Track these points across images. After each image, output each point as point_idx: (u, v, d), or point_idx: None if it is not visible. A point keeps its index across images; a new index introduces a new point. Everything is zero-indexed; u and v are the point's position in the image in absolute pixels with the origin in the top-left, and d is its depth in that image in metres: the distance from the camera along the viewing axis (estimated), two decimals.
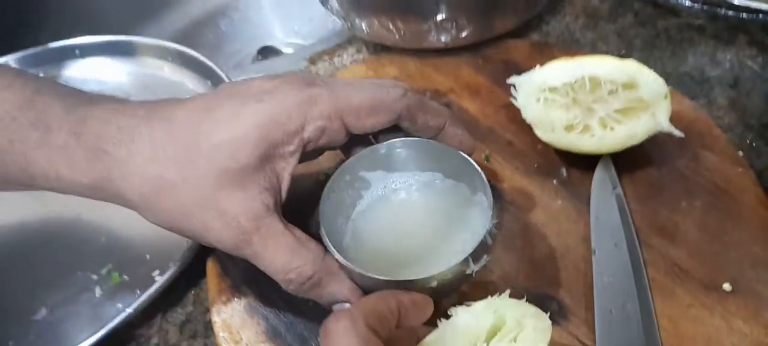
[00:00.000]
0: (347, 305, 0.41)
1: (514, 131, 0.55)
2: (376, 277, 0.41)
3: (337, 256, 0.42)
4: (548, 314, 0.43)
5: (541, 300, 0.45)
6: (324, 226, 0.43)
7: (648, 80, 0.48)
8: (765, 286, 0.43)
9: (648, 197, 0.49)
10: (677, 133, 0.48)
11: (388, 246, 0.47)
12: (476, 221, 0.46)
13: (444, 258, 0.42)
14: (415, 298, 0.39)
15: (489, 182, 0.43)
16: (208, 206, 0.38)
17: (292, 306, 0.48)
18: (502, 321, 0.37)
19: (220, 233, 0.39)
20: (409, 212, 0.49)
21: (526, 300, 0.44)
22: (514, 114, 0.56)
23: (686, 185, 0.49)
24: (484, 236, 0.41)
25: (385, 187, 0.49)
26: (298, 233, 0.41)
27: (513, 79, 0.51)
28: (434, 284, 0.41)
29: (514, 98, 0.51)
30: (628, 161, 0.51)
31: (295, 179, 0.42)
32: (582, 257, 0.47)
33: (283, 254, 0.39)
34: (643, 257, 0.45)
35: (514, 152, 0.54)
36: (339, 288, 0.41)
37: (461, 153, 0.45)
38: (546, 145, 0.53)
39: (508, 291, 0.39)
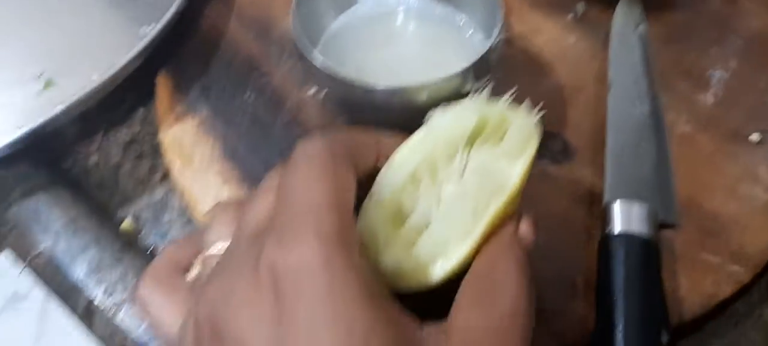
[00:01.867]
0: None
1: None
2: (356, 82, 0.36)
3: (315, 54, 0.37)
4: (551, 155, 0.40)
5: (544, 138, 0.41)
6: (296, 26, 0.37)
7: None
8: None
9: (675, 40, 0.45)
10: None
11: (370, 63, 0.42)
12: (476, 46, 0.41)
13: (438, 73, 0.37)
14: (400, 140, 0.33)
15: None
16: None
17: (256, 124, 0.43)
18: (485, 123, 0.31)
19: None
20: (400, 32, 0.44)
21: None
22: None
23: (719, 28, 0.45)
24: (487, 52, 0.37)
25: (376, 6, 0.44)
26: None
27: None
28: (424, 96, 0.36)
29: None
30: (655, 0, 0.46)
31: None
32: (593, 96, 0.42)
33: None
34: (663, 100, 0.41)
35: None
36: None
37: None
38: None
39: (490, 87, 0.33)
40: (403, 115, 0.37)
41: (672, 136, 0.40)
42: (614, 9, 0.46)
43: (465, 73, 0.36)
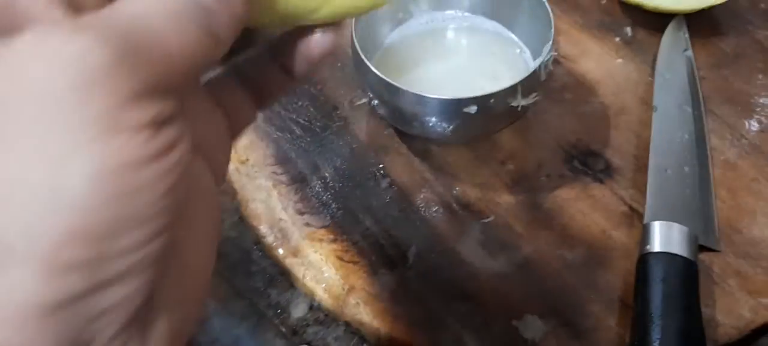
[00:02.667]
0: None
1: None
2: (409, 92, 0.38)
3: (367, 62, 0.39)
4: (593, 173, 0.41)
5: (584, 156, 0.42)
6: (355, 38, 0.40)
7: None
8: None
9: (721, 66, 0.45)
10: None
11: (422, 75, 0.44)
12: (525, 63, 0.43)
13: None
14: None
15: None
16: None
17: (307, 130, 0.45)
18: None
19: None
20: (451, 46, 0.46)
21: (569, 156, 0.42)
22: None
23: (766, 57, 0.45)
24: (538, 68, 0.38)
25: (429, 21, 0.46)
26: None
27: None
28: (473, 109, 0.37)
29: None
30: (702, 26, 0.47)
31: None
32: (638, 118, 0.43)
33: None
34: (707, 124, 0.42)
35: (573, 5, 0.50)
36: None
37: None
38: (611, 2, 0.49)
39: None
40: (453, 127, 0.39)
41: (715, 160, 0.41)
42: (662, 33, 0.47)
43: (513, 89, 0.38)
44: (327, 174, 0.43)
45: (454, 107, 0.38)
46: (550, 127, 0.44)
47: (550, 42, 0.39)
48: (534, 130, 0.44)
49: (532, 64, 0.40)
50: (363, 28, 0.41)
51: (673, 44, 0.45)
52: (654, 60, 0.46)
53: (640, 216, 0.38)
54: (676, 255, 0.34)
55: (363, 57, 0.39)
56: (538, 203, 0.40)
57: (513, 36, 0.44)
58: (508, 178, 0.42)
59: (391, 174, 0.42)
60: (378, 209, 0.41)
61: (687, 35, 0.46)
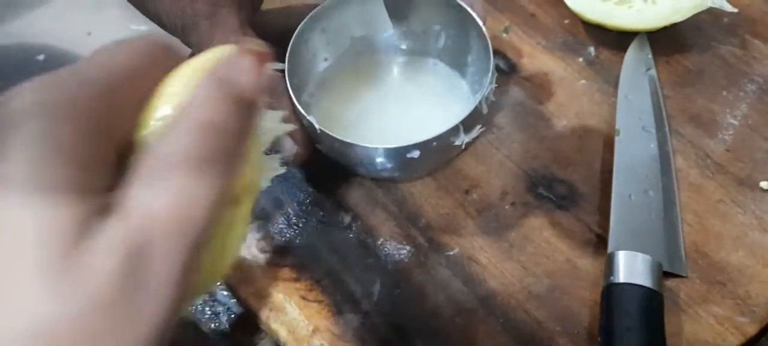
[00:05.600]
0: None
1: (539, 3, 0.51)
2: (342, 139, 0.37)
3: (299, 108, 0.38)
4: (557, 199, 0.40)
5: (548, 182, 0.42)
6: (288, 71, 0.39)
7: None
8: None
9: (685, 84, 0.45)
10: (729, 8, 0.43)
11: (360, 112, 0.44)
12: (469, 91, 0.43)
13: (428, 127, 0.38)
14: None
15: (492, 45, 0.40)
16: None
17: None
18: None
19: (170, 7, 0.38)
20: (390, 76, 0.46)
21: (533, 182, 0.41)
22: None
23: (730, 73, 0.45)
24: (479, 103, 0.38)
25: (367, 46, 0.46)
26: (253, 37, 0.39)
27: None
28: (416, 154, 0.37)
29: None
30: (666, 43, 0.47)
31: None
32: (602, 141, 0.43)
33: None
34: (672, 145, 0.42)
35: (536, 26, 0.50)
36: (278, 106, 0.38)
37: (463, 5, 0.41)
38: (573, 20, 0.49)
39: None
40: (399, 169, 0.40)
41: (680, 183, 0.41)
42: (625, 52, 0.47)
43: (455, 129, 0.37)
44: (290, 210, 0.43)
45: (396, 154, 0.38)
46: (513, 153, 0.43)
47: (490, 73, 0.39)
48: (498, 157, 0.43)
49: (473, 99, 0.40)
50: (296, 61, 0.41)
51: (635, 64, 0.45)
52: (617, 81, 0.45)
53: (606, 243, 0.38)
54: (640, 286, 0.34)
55: (299, 107, 0.38)
56: (502, 233, 0.40)
57: (456, 71, 0.45)
58: (473, 208, 0.41)
59: (355, 209, 0.42)
60: (341, 245, 0.41)
61: (650, 54, 0.46)
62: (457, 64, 0.45)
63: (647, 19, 0.45)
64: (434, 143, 0.37)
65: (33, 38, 0.54)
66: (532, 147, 0.44)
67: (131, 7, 0.51)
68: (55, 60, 0.51)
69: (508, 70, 0.48)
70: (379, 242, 0.41)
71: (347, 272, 0.40)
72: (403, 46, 0.46)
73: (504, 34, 0.50)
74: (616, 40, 0.47)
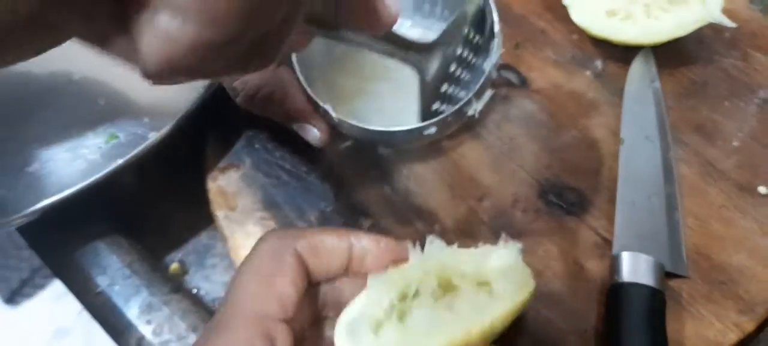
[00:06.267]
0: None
1: (548, 19, 0.54)
2: (359, 126, 0.40)
3: (309, 92, 0.41)
4: (566, 206, 0.43)
5: (559, 190, 0.44)
6: (298, 59, 0.42)
7: None
8: None
9: (688, 95, 0.48)
10: (729, 23, 0.46)
11: (368, 96, 0.46)
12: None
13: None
14: (378, 240, 0.34)
15: (502, 48, 0.42)
16: None
17: (293, 175, 0.47)
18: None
19: None
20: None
21: (544, 190, 0.44)
22: (549, 2, 0.54)
23: (731, 84, 0.48)
24: (489, 70, 0.40)
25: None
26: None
27: None
28: (433, 130, 0.40)
29: None
30: (669, 57, 0.49)
31: None
32: (610, 151, 0.46)
33: None
34: (675, 153, 0.44)
35: (546, 41, 0.52)
36: (294, 105, 0.40)
37: None
38: (582, 36, 0.52)
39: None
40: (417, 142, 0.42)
41: (683, 188, 0.43)
42: (630, 66, 0.49)
43: (469, 102, 0.40)
44: (313, 218, 0.45)
45: (415, 134, 0.41)
46: (525, 163, 0.46)
47: (496, 40, 0.41)
48: (510, 166, 0.46)
49: (485, 67, 0.42)
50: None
51: (640, 77, 0.47)
52: (623, 92, 0.48)
53: (611, 245, 0.40)
54: (642, 285, 0.36)
55: (314, 96, 0.41)
56: (514, 237, 0.42)
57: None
58: (486, 214, 0.44)
59: (374, 215, 0.45)
60: None
61: (654, 67, 0.48)
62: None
63: (651, 34, 0.47)
64: (450, 119, 0.40)
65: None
66: (542, 157, 0.46)
67: None
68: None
69: (519, 84, 0.50)
70: None
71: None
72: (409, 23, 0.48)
73: (515, 49, 0.52)
74: (622, 54, 0.50)
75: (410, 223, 0.44)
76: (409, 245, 0.33)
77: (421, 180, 0.46)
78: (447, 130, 0.43)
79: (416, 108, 0.42)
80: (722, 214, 0.42)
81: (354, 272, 0.33)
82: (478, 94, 0.40)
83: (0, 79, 0.58)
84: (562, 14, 0.52)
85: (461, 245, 0.42)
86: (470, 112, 0.41)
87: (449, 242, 0.42)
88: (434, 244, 0.33)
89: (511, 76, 0.51)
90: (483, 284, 0.32)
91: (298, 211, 0.46)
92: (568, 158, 0.46)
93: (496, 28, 0.41)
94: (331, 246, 0.32)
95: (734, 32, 0.49)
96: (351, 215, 0.45)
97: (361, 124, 0.40)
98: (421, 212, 0.44)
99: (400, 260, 0.33)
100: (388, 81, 0.47)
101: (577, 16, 0.49)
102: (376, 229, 0.44)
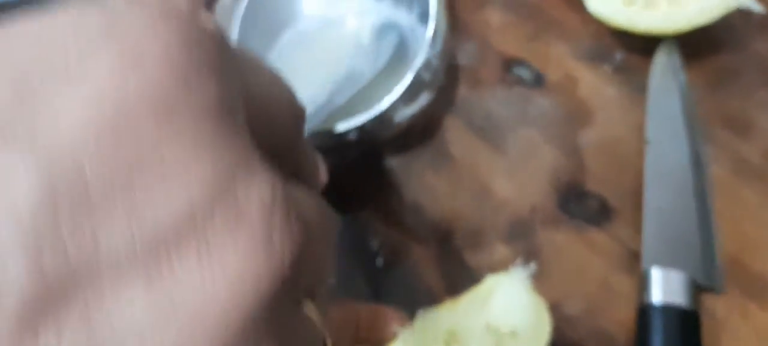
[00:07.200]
0: None
1: (563, 9, 0.50)
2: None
3: None
4: (589, 215, 0.40)
5: (579, 197, 0.41)
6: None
7: None
8: None
9: (717, 86, 0.44)
10: (759, 8, 0.42)
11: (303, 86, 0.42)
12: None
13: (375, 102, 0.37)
14: (380, 312, 0.32)
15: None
16: None
17: None
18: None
19: None
20: (336, 46, 0.43)
21: (564, 198, 0.41)
22: None
23: (765, 72, 0.44)
24: (418, 73, 0.37)
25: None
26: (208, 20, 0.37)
27: None
28: (353, 136, 0.37)
29: None
30: (695, 45, 0.46)
31: None
32: (634, 150, 0.43)
33: None
34: (706, 152, 0.41)
35: (560, 33, 0.49)
36: None
37: None
38: (600, 27, 0.48)
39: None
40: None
41: (715, 189, 0.40)
42: (654, 56, 0.46)
43: (393, 107, 0.37)
44: None
45: (336, 137, 0.37)
46: (542, 167, 0.43)
47: (428, 39, 0.37)
48: (527, 172, 0.43)
49: (411, 68, 0.37)
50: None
51: (664, 69, 0.44)
52: (646, 87, 0.45)
53: (640, 259, 0.38)
54: (675, 306, 0.33)
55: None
56: (534, 252, 0.40)
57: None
58: (502, 227, 0.41)
59: (383, 234, 0.42)
60: (370, 272, 0.41)
61: (679, 58, 0.45)
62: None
63: (674, 22, 0.44)
64: (368, 126, 0.36)
65: None
66: (561, 160, 0.43)
67: None
68: None
69: (532, 82, 0.47)
70: (408, 266, 0.41)
71: (380, 299, 0.40)
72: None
73: (529, 43, 0.49)
74: (644, 44, 0.46)
75: (422, 240, 0.42)
76: (399, 328, 0.30)
77: (432, 192, 0.43)
78: (379, 137, 0.39)
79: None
80: (758, 216, 0.39)
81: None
82: (407, 99, 0.36)
83: None
84: (577, 4, 0.48)
85: (478, 260, 0.40)
86: (398, 119, 0.37)
87: (465, 260, 0.40)
88: (426, 315, 0.30)
89: (524, 73, 0.48)
90: (493, 330, 0.30)
91: None
92: (588, 162, 0.43)
93: (436, 24, 0.37)
94: (342, 320, 0.31)
95: (765, 16, 0.45)
96: (360, 235, 0.43)
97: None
98: (434, 227, 0.42)
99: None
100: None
101: (594, 6, 0.46)
102: (387, 249, 0.42)
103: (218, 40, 0.15)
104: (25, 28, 0.14)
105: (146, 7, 0.14)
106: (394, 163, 0.45)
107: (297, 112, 0.18)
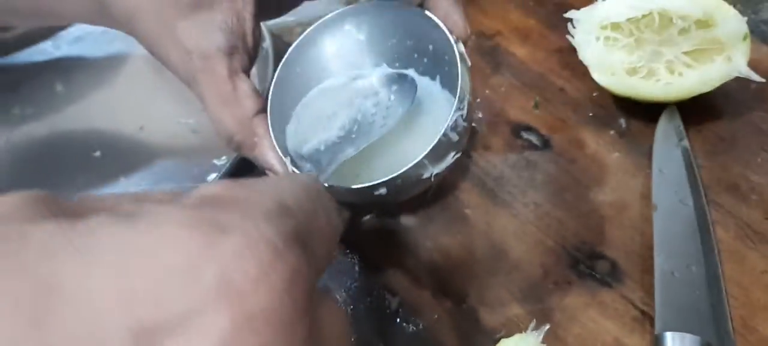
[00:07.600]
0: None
1: (567, 77, 0.53)
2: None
3: (274, 144, 0.39)
4: (600, 276, 0.41)
5: (590, 259, 0.42)
6: (271, 110, 0.40)
7: (727, 17, 0.44)
8: None
9: (718, 152, 0.46)
10: (757, 77, 0.44)
11: (319, 130, 0.42)
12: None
13: (402, 160, 0.38)
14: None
15: (466, 63, 0.39)
16: (168, 35, 0.39)
17: None
18: None
19: (176, 66, 0.39)
20: (353, 94, 0.44)
21: (575, 260, 0.42)
22: (567, 60, 0.53)
23: (762, 139, 0.46)
24: (445, 132, 0.38)
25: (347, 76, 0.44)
26: (244, 86, 0.39)
27: (571, 14, 0.48)
28: (383, 191, 0.38)
29: (571, 36, 0.48)
30: (696, 113, 0.48)
31: None
32: (640, 214, 0.44)
33: (216, 103, 0.39)
34: (711, 217, 0.42)
35: (566, 100, 0.51)
36: (263, 157, 0.40)
37: (439, 25, 0.40)
38: (603, 94, 0.50)
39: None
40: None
41: (722, 255, 0.41)
42: (656, 123, 0.48)
43: (421, 164, 0.37)
44: (338, 296, 0.44)
45: (364, 193, 0.38)
46: (552, 231, 0.44)
47: (456, 101, 0.38)
48: (538, 235, 0.44)
49: (439, 130, 0.38)
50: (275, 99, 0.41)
51: (666, 136, 0.46)
52: (650, 151, 0.46)
53: (652, 320, 0.39)
54: None
55: (282, 157, 0.39)
56: (547, 314, 0.41)
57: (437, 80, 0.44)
58: (516, 289, 0.42)
59: (400, 293, 0.43)
60: (389, 330, 0.42)
61: (681, 124, 0.47)
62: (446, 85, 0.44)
63: (675, 91, 0.46)
64: (399, 181, 0.37)
65: (87, 129, 0.57)
66: (570, 224, 0.44)
67: (181, 101, 0.54)
68: (111, 157, 0.54)
69: (541, 146, 0.49)
70: (425, 326, 0.41)
71: None
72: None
73: (535, 109, 0.51)
74: (646, 110, 0.48)
75: (438, 299, 0.42)
76: None
77: (448, 252, 0.44)
78: (404, 195, 0.40)
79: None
80: (764, 280, 0.40)
81: None
82: (434, 158, 0.38)
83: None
84: (580, 72, 0.51)
85: (494, 322, 0.40)
86: (426, 175, 0.38)
87: (480, 319, 0.41)
88: None
89: (533, 138, 0.50)
90: None
91: (323, 290, 0.44)
92: (597, 224, 0.44)
93: (461, 85, 0.38)
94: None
95: (761, 85, 0.47)
96: (375, 292, 0.43)
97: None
98: (449, 287, 0.43)
99: None
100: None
101: (598, 76, 0.48)
102: (404, 307, 0.42)
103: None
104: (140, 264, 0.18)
105: (256, 261, 0.19)
106: (409, 222, 0.46)
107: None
